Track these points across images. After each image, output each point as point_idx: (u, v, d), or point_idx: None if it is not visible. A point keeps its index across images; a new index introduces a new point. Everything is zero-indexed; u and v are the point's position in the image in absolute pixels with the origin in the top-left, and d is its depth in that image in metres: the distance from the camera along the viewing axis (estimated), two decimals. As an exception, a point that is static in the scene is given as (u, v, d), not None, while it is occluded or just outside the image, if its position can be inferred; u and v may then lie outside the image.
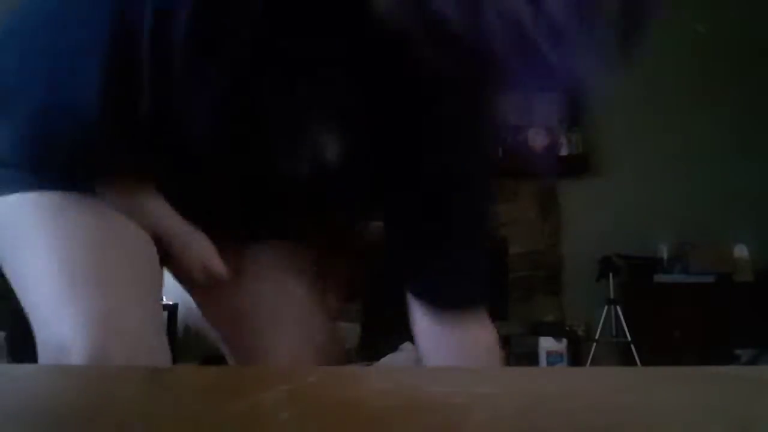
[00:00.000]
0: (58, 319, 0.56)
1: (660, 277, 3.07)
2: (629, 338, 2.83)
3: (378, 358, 2.87)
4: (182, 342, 3.11)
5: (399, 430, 0.26)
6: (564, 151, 3.12)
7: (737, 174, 3.28)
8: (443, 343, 0.66)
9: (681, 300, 2.95)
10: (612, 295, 2.93)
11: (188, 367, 0.53)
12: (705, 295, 2.99)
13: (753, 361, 2.59)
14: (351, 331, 3.40)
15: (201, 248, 0.65)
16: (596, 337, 2.91)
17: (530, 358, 2.92)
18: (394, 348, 2.83)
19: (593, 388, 0.36)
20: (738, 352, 2.71)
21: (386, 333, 3.12)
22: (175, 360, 3.39)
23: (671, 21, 3.44)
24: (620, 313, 2.90)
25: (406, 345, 2.83)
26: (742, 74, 3.35)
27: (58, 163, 0.62)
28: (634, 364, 2.76)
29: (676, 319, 2.84)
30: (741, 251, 3.17)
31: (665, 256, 3.17)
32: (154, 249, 0.64)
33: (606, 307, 2.93)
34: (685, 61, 3.27)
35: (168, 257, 0.67)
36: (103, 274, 0.59)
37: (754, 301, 2.95)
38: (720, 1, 3.41)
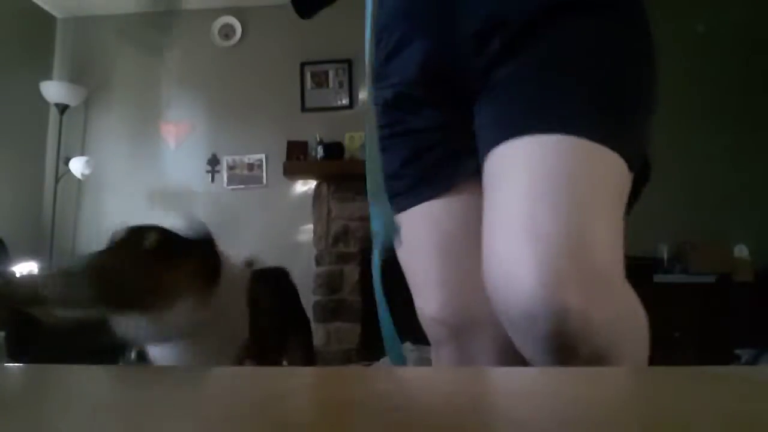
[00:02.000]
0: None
1: (660, 277, 3.07)
2: (629, 338, 2.83)
3: (378, 358, 2.87)
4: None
5: (399, 430, 0.26)
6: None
7: (737, 174, 3.28)
8: None
9: (681, 300, 2.95)
10: (612, 295, 2.92)
11: (196, 367, 0.53)
12: (705, 295, 2.99)
13: (753, 361, 2.59)
14: (351, 331, 3.41)
15: None
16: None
17: (530, 358, 2.91)
18: (394, 348, 2.83)
19: (593, 388, 0.36)
20: (738, 352, 2.71)
21: (386, 333, 3.13)
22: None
23: (670, 22, 3.44)
24: (620, 313, 2.89)
25: (406, 345, 2.83)
26: (742, 75, 3.35)
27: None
28: (634, 364, 2.75)
29: (676, 319, 2.83)
30: (741, 251, 3.17)
31: (665, 256, 3.17)
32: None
33: (606, 307, 2.92)
34: (684, 62, 3.27)
35: None
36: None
37: (754, 301, 2.94)
38: (720, 1, 3.41)
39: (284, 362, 1.37)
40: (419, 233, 0.83)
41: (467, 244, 0.77)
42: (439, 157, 0.81)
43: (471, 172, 0.77)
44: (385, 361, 2.77)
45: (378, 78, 0.88)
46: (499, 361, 0.80)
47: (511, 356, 0.75)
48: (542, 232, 0.56)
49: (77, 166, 3.54)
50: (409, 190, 0.84)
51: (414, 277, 0.86)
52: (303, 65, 3.71)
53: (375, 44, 0.89)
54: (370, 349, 3.25)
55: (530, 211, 0.57)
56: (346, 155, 3.48)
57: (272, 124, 3.69)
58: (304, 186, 3.64)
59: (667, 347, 3.11)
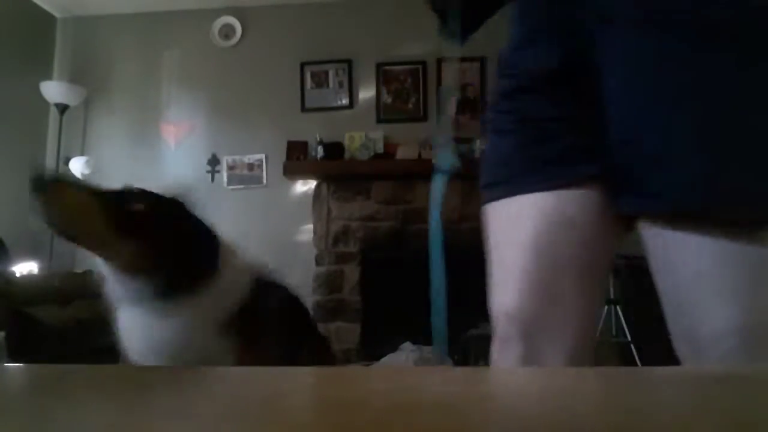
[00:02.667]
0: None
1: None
2: (629, 338, 2.83)
3: (378, 358, 2.87)
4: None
5: (399, 430, 0.26)
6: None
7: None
8: None
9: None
10: (612, 295, 2.93)
11: (196, 367, 0.53)
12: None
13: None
14: (351, 331, 3.40)
15: None
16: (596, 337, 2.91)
17: (530, 358, 2.91)
18: (394, 348, 2.83)
19: (593, 388, 0.36)
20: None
21: (386, 333, 3.13)
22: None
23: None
24: (620, 313, 2.90)
25: (406, 345, 2.83)
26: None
27: None
28: (634, 364, 2.76)
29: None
30: (741, 251, 3.16)
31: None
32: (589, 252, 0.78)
33: (606, 307, 2.93)
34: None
35: None
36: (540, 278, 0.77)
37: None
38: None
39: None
40: (519, 223, 0.79)
41: (565, 243, 0.77)
42: (559, 150, 0.77)
43: (589, 173, 0.75)
44: (385, 361, 2.77)
45: (504, 65, 0.84)
46: (568, 357, 0.79)
47: (580, 354, 0.81)
48: (739, 293, 0.65)
49: (77, 166, 3.54)
50: (518, 177, 0.79)
51: (499, 268, 0.83)
52: (303, 65, 3.71)
53: (512, 27, 0.84)
54: (370, 349, 3.25)
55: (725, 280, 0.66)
56: (346, 155, 3.48)
57: (272, 124, 3.69)
58: (304, 186, 3.64)
59: (668, 347, 3.10)
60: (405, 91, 3.62)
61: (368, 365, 2.86)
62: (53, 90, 3.56)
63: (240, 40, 3.83)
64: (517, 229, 0.79)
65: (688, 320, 0.70)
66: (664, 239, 0.70)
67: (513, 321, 0.79)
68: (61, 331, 2.41)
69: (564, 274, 0.77)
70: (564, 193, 0.76)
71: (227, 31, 3.85)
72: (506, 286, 0.80)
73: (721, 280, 0.65)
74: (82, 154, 3.72)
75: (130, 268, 0.82)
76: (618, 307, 2.90)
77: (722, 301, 0.65)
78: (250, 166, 3.71)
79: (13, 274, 2.99)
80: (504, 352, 0.82)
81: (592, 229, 0.77)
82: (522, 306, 0.78)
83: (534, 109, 0.78)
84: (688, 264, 0.68)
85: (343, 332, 3.39)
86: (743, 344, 0.64)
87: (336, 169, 3.42)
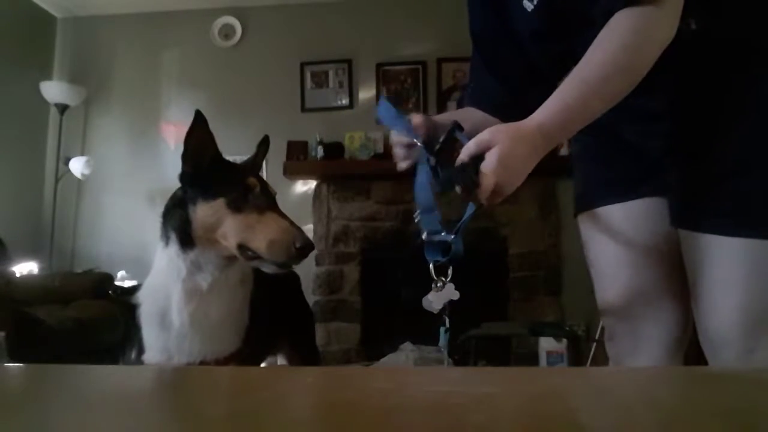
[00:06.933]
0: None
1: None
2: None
3: (378, 358, 2.87)
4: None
5: (399, 430, 0.26)
6: (564, 151, 3.12)
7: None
8: None
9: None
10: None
11: (197, 367, 0.54)
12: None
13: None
14: (351, 331, 3.40)
15: None
16: (596, 337, 2.91)
17: (530, 358, 2.92)
18: (394, 348, 2.83)
19: (593, 388, 0.36)
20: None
21: (386, 333, 3.13)
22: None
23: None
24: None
25: (406, 345, 2.83)
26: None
27: None
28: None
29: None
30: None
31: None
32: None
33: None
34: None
35: None
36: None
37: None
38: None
39: (278, 359, 1.37)
40: (614, 228, 0.91)
41: (646, 244, 0.89)
42: (646, 166, 0.88)
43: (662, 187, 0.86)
44: (385, 362, 2.77)
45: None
46: (667, 348, 0.90)
47: (677, 345, 0.90)
48: (749, 299, 0.74)
49: (77, 166, 3.53)
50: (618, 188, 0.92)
51: (597, 264, 0.96)
52: (303, 65, 3.70)
53: None
54: (370, 349, 3.25)
55: (743, 293, 0.75)
56: (346, 155, 3.48)
57: (272, 124, 3.69)
58: (304, 186, 3.64)
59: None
60: (405, 91, 3.62)
61: (368, 365, 2.86)
62: (53, 90, 3.56)
63: (240, 40, 3.83)
64: (613, 233, 0.91)
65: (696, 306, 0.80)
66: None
67: (614, 310, 0.93)
68: (61, 331, 2.41)
69: (647, 267, 0.89)
70: (640, 201, 0.89)
71: (227, 31, 3.84)
72: (605, 281, 0.94)
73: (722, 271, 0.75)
74: (82, 154, 3.72)
75: None
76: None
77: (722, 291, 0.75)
78: (250, 166, 3.71)
79: (13, 274, 2.98)
80: (611, 344, 0.96)
81: (669, 233, 0.85)
82: (619, 297, 0.91)
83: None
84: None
85: (343, 332, 3.39)
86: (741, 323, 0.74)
87: (336, 169, 3.42)
